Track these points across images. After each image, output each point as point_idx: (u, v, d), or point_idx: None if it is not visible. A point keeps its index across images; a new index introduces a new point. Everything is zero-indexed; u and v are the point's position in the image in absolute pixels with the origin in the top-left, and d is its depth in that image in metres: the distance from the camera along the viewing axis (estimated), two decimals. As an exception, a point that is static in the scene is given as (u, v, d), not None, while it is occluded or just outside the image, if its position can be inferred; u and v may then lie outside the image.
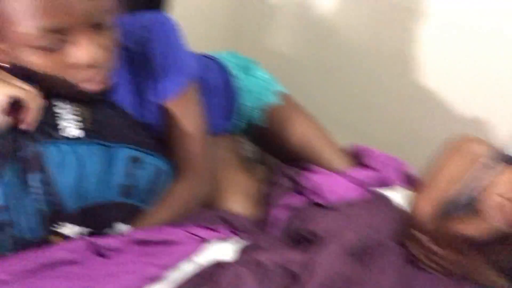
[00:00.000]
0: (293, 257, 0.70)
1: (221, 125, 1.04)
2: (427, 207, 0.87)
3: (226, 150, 1.02)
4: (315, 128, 1.03)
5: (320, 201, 0.91)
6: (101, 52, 0.58)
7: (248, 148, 1.23)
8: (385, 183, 0.97)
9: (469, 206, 0.79)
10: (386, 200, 0.92)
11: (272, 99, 1.04)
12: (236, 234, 0.78)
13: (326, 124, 1.09)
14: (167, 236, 0.66)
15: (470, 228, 0.77)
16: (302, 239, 0.80)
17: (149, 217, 0.72)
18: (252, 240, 0.75)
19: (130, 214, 0.69)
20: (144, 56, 0.72)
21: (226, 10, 1.89)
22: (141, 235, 0.65)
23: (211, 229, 0.74)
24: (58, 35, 0.54)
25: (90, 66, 0.58)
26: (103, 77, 0.62)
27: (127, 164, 0.66)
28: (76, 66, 0.58)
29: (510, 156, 0.87)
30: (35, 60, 0.56)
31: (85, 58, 0.57)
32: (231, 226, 0.78)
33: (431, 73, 1.41)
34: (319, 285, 0.66)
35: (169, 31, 0.73)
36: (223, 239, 0.74)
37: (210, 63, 1.01)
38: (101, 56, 0.58)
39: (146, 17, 0.73)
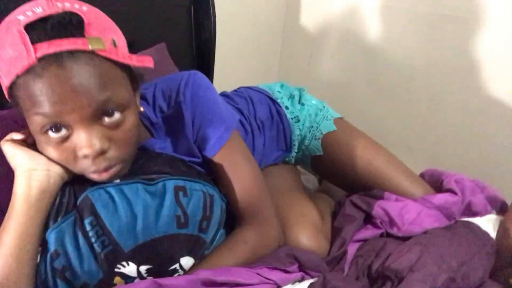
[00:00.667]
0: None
1: (276, 157, 1.01)
2: None
3: (286, 179, 0.98)
4: (381, 152, 0.95)
5: (399, 234, 0.83)
6: (101, 142, 0.55)
7: (309, 177, 1.18)
8: (471, 209, 0.86)
9: None
10: (473, 229, 0.81)
11: (328, 126, 0.99)
12: (307, 273, 0.72)
13: (391, 149, 1.00)
14: (237, 277, 0.61)
15: None
16: (381, 278, 0.72)
17: (214, 263, 0.68)
18: (325, 280, 0.68)
19: (191, 245, 0.66)
20: (180, 118, 0.72)
21: (277, 42, 1.91)
22: (208, 274, 0.61)
23: (283, 270, 0.69)
24: (60, 126, 0.54)
25: (87, 157, 0.56)
26: (109, 166, 0.59)
27: (174, 194, 0.65)
28: (79, 157, 0.57)
29: None
30: (49, 150, 0.57)
31: (81, 150, 0.55)
32: (303, 265, 0.72)
33: (499, 84, 1.28)
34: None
35: (201, 91, 0.72)
36: (296, 281, 0.69)
37: (259, 96, 1.00)
38: (100, 147, 0.55)
39: (177, 79, 0.73)
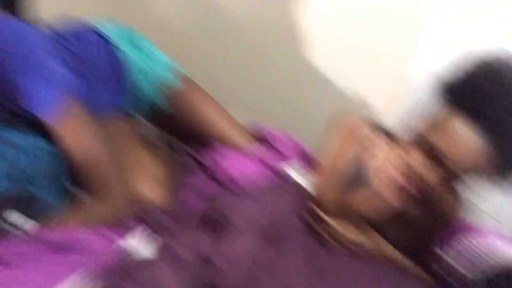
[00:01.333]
0: (211, 247, 0.70)
1: (110, 102, 0.95)
2: (324, 185, 0.94)
3: (126, 132, 0.96)
4: (221, 111, 1.02)
5: (225, 182, 0.92)
6: None
7: (150, 130, 1.18)
8: (288, 163, 1.02)
9: (359, 182, 0.84)
10: (290, 180, 0.97)
11: (172, 81, 0.98)
12: (150, 227, 0.76)
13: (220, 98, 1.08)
14: (77, 236, 0.61)
15: (364, 204, 0.84)
16: (212, 223, 0.80)
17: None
18: (168, 233, 0.73)
19: (21, 201, 0.64)
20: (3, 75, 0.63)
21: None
22: (47, 235, 0.59)
23: (125, 228, 0.71)
24: None
25: None
26: None
27: (6, 148, 0.61)
28: None
29: (389, 130, 0.97)
30: None
31: None
32: (145, 221, 0.76)
33: (318, 50, 1.50)
34: (230, 271, 0.68)
35: (25, 44, 0.63)
36: (137, 236, 0.72)
37: (88, 33, 0.90)
38: None
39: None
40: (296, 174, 1.00)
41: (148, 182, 0.84)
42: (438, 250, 1.04)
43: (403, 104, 1.58)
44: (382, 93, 1.59)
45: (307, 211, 0.92)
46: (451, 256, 0.93)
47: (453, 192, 0.81)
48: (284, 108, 1.63)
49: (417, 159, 0.79)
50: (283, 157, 1.04)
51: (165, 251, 0.67)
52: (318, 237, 0.87)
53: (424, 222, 0.93)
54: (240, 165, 0.96)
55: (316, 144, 1.06)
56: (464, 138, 0.76)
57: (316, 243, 0.87)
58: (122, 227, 0.71)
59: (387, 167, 0.80)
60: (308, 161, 1.08)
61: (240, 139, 1.02)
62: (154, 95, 0.99)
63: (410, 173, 0.80)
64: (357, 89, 1.59)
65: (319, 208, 0.90)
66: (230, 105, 1.14)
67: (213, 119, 0.99)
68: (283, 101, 1.62)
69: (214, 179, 0.94)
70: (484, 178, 0.83)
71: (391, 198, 0.81)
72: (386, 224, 0.89)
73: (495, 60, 0.78)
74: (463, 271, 0.90)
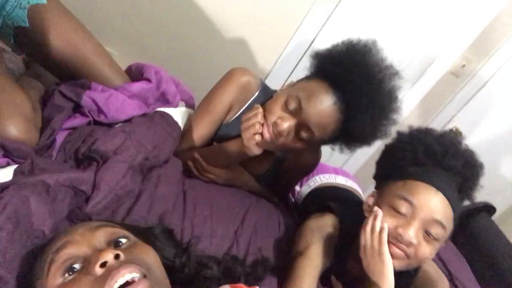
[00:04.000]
0: (78, 176, 0.71)
1: None
2: (200, 129, 1.01)
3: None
4: (88, 38, 0.96)
5: (106, 121, 0.93)
6: None
7: (13, 58, 1.07)
8: (165, 97, 1.05)
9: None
10: (167, 118, 1.00)
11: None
12: (13, 160, 0.73)
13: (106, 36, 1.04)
14: None
15: (233, 146, 0.94)
16: (87, 160, 0.81)
17: None
18: (33, 164, 0.72)
19: None
20: None
21: None
22: None
23: None
24: None
25: None
26: None
27: None
28: None
29: (271, 90, 1.07)
30: None
31: None
32: (9, 153, 0.72)
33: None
34: (102, 199, 0.72)
35: None
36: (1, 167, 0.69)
37: None
38: None
39: None
40: (176, 114, 1.03)
41: (19, 123, 0.77)
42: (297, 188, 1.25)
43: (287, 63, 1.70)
44: (270, 51, 1.68)
45: (180, 148, 1.00)
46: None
47: (306, 142, 0.92)
48: (172, 49, 1.63)
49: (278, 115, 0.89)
50: (166, 95, 1.06)
51: (26, 178, 0.65)
52: (187, 169, 0.98)
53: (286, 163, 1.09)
54: (121, 107, 0.95)
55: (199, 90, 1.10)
56: (322, 99, 0.87)
57: (186, 175, 0.98)
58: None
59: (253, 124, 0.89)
60: (189, 103, 1.12)
61: (113, 77, 0.99)
62: (18, 13, 0.89)
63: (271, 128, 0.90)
64: (249, 43, 1.66)
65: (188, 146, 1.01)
66: (121, 44, 1.10)
67: (85, 52, 0.94)
68: (173, 42, 1.61)
69: (95, 121, 0.93)
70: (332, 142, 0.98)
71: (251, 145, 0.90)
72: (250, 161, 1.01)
73: (361, 44, 0.90)
74: (298, 188, 1.23)
